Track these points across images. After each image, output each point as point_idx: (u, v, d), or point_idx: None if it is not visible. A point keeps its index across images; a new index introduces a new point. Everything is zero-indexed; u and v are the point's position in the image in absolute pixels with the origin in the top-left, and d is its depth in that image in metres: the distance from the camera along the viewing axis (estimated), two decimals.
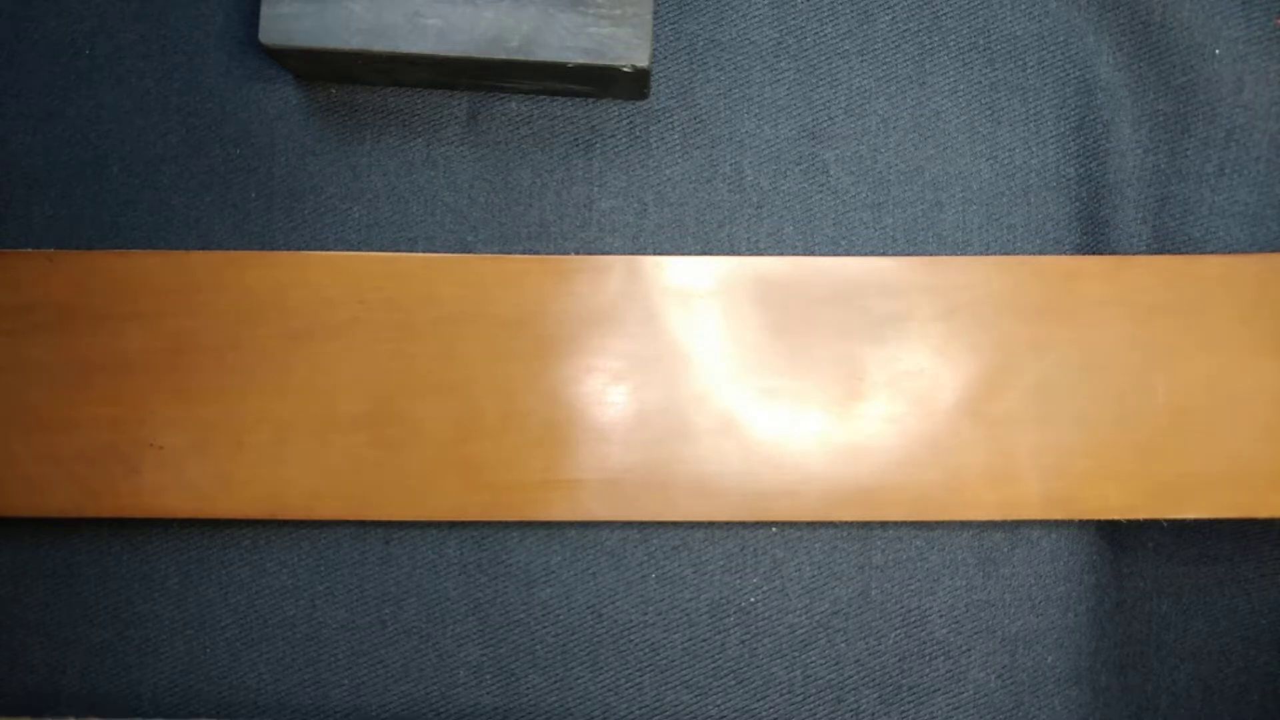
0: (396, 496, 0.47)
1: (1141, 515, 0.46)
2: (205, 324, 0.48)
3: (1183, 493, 0.46)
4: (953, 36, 0.49)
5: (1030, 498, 0.47)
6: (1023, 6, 0.48)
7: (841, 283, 0.47)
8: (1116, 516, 0.46)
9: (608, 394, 0.47)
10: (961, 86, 0.49)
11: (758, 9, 0.49)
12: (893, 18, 0.49)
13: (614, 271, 0.48)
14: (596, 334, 0.48)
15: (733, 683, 0.47)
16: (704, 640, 0.47)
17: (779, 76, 0.49)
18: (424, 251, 0.49)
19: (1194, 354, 0.47)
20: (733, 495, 0.47)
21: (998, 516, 0.47)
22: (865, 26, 0.49)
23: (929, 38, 0.49)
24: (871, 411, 0.47)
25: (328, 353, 0.48)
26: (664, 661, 0.47)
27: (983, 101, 0.48)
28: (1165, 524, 0.48)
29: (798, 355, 0.47)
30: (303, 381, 0.47)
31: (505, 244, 0.49)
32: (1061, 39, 0.48)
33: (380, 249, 0.49)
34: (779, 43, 0.49)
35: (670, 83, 0.49)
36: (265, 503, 0.47)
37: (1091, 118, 0.48)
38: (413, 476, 0.47)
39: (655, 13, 0.46)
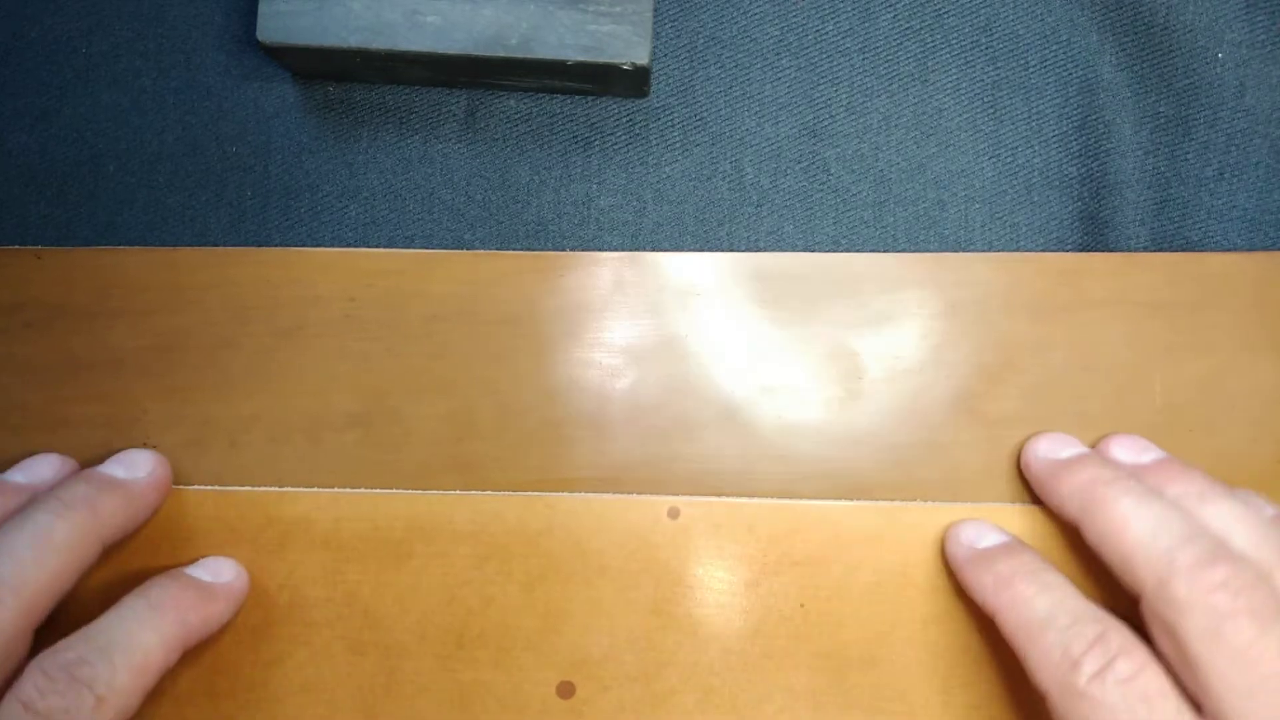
0: (391, 480, 0.48)
1: None
2: (195, 322, 0.48)
3: None
4: (955, 34, 0.49)
5: (1027, 494, 0.47)
6: (1025, 5, 0.49)
7: (841, 278, 0.47)
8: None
9: (605, 391, 0.47)
10: (964, 84, 0.49)
11: (759, 6, 0.49)
12: (894, 15, 0.49)
13: (610, 267, 0.48)
14: (593, 331, 0.48)
15: None
16: None
17: (780, 74, 0.49)
18: (421, 249, 0.48)
19: (1193, 353, 0.47)
20: (730, 492, 0.47)
21: (999, 500, 0.47)
22: (867, 24, 0.49)
23: (931, 35, 0.49)
24: (870, 408, 0.47)
25: (320, 350, 0.48)
26: None
27: (985, 100, 0.49)
28: None
29: (796, 351, 0.47)
30: (295, 380, 0.48)
31: (503, 242, 0.49)
32: (1065, 38, 0.48)
33: (377, 246, 0.48)
34: (780, 40, 0.49)
35: (670, 80, 0.49)
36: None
37: (1094, 117, 0.48)
38: (408, 477, 0.47)
39: (655, 10, 0.46)
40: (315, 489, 0.47)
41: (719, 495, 0.47)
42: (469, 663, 0.47)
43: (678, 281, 0.48)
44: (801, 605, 0.46)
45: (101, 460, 0.47)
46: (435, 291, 0.48)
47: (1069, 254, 0.48)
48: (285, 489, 0.47)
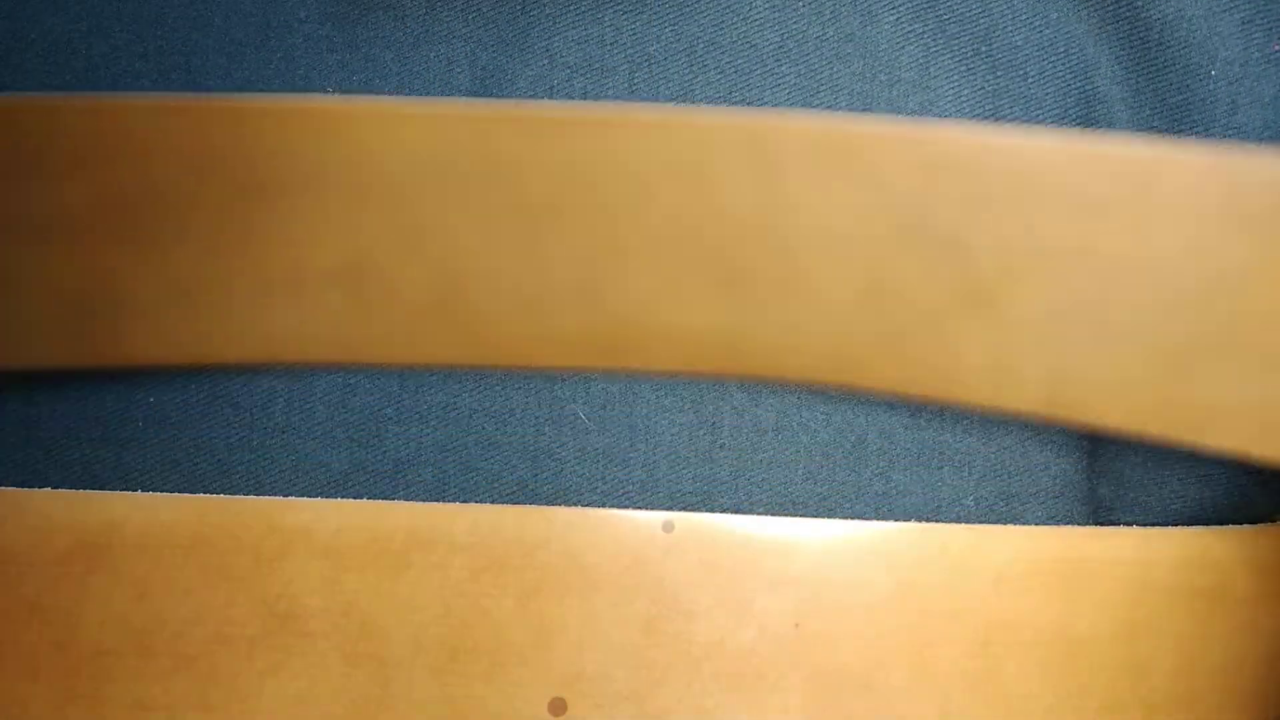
0: (383, 348, 0.46)
1: (1152, 436, 0.41)
2: (155, 178, 0.45)
3: (1205, 420, 0.41)
4: (955, 42, 0.49)
5: (1032, 394, 0.42)
6: (1024, 16, 0.48)
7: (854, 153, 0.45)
8: (1123, 431, 0.42)
9: (598, 256, 0.45)
10: (965, 93, 0.49)
11: (758, 11, 0.49)
12: (897, 18, 0.49)
13: (605, 129, 0.45)
14: (585, 196, 0.45)
15: None
16: None
17: (780, 80, 0.49)
18: None
19: (1259, 265, 0.41)
20: (719, 348, 0.44)
21: (992, 404, 0.42)
22: (868, 29, 0.49)
23: (933, 41, 0.49)
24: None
25: (294, 209, 0.45)
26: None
27: (985, 108, 0.49)
28: None
29: (799, 226, 0.44)
30: (270, 237, 0.45)
31: None
32: (1062, 49, 0.48)
33: None
34: (780, 46, 0.49)
35: (669, 85, 0.49)
36: (255, 349, 0.46)
37: (1091, 130, 0.48)
38: (395, 333, 0.46)
39: (652, 14, 0.46)
40: (318, 497, 0.48)
41: (713, 510, 0.47)
42: (462, 676, 0.47)
43: (664, 147, 0.45)
44: (796, 625, 0.46)
45: (76, 317, 0.47)
46: (412, 146, 0.44)
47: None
48: (290, 498, 0.48)
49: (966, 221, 0.45)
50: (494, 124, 0.47)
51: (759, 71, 0.49)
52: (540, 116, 0.47)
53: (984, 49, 0.48)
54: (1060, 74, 0.48)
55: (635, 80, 0.49)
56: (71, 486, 0.48)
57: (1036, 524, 0.47)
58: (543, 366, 0.46)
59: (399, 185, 0.47)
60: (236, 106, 0.47)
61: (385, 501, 0.48)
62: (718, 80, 0.49)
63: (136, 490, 0.48)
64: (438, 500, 0.48)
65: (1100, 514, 0.48)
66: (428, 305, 0.47)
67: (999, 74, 0.48)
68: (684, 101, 0.49)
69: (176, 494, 0.48)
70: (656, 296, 0.47)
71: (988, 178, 0.45)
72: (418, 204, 0.47)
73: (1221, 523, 0.48)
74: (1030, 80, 0.48)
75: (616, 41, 0.49)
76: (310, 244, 0.47)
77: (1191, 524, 0.48)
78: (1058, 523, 0.48)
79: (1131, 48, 0.48)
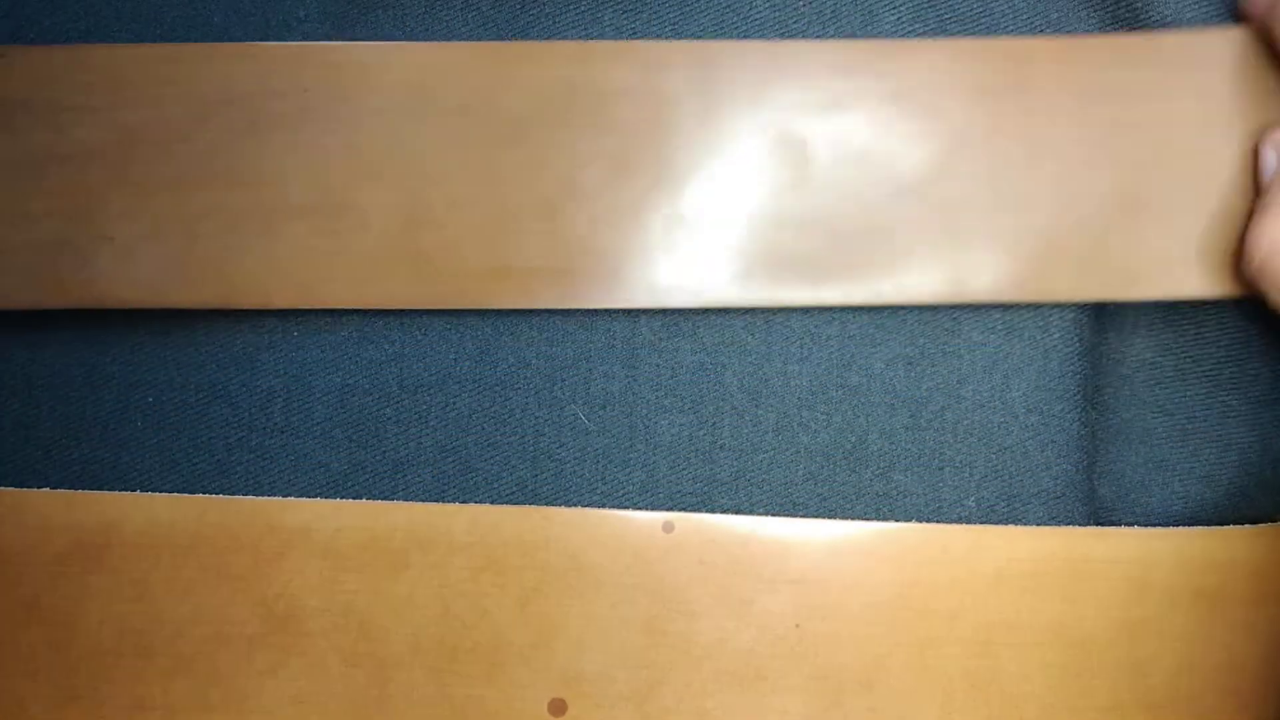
0: (345, 285, 0.47)
1: (1094, 297, 0.47)
2: (154, 117, 0.48)
3: (1137, 274, 0.46)
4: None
5: (980, 281, 0.46)
6: (1024, 16, 0.48)
7: (784, 65, 0.47)
8: (1068, 299, 0.47)
9: (556, 181, 0.47)
10: None
11: (759, 12, 0.49)
12: (898, 18, 0.49)
13: (563, 60, 0.47)
14: (544, 125, 0.47)
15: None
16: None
17: None
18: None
19: (1148, 136, 0.46)
20: (682, 283, 0.47)
21: (948, 300, 0.47)
22: (868, 29, 0.49)
23: (934, 40, 0.48)
24: (816, 195, 0.47)
25: (275, 144, 0.48)
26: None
27: None
28: None
29: (741, 139, 0.47)
30: (251, 173, 0.47)
31: None
32: None
33: None
34: None
35: None
36: (218, 292, 0.47)
37: None
38: (361, 266, 0.47)
39: (654, 15, 0.46)
40: (317, 498, 0.48)
41: (713, 510, 0.47)
42: (461, 677, 0.47)
43: (628, 79, 0.48)
44: (797, 625, 0.46)
45: (57, 252, 0.47)
46: (388, 83, 0.47)
47: (1020, 38, 0.48)
48: (288, 498, 0.48)
49: (887, 113, 0.46)
50: (471, 58, 0.48)
51: None
52: (514, 49, 0.47)
53: None
54: None
55: None
56: (71, 486, 0.49)
57: (1037, 525, 0.48)
58: (506, 305, 0.47)
59: (374, 117, 0.48)
60: (236, 49, 0.48)
61: (384, 502, 0.48)
62: None
63: (135, 490, 0.49)
64: (437, 500, 0.48)
65: (1100, 514, 0.48)
66: (393, 239, 0.47)
67: None
68: None
69: (175, 494, 0.48)
70: (610, 222, 0.48)
71: (899, 74, 0.47)
72: (391, 135, 0.48)
73: (1221, 523, 0.48)
74: None
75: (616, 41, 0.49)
76: (285, 180, 0.48)
77: (1191, 524, 0.48)
78: (1058, 523, 0.48)
79: None
